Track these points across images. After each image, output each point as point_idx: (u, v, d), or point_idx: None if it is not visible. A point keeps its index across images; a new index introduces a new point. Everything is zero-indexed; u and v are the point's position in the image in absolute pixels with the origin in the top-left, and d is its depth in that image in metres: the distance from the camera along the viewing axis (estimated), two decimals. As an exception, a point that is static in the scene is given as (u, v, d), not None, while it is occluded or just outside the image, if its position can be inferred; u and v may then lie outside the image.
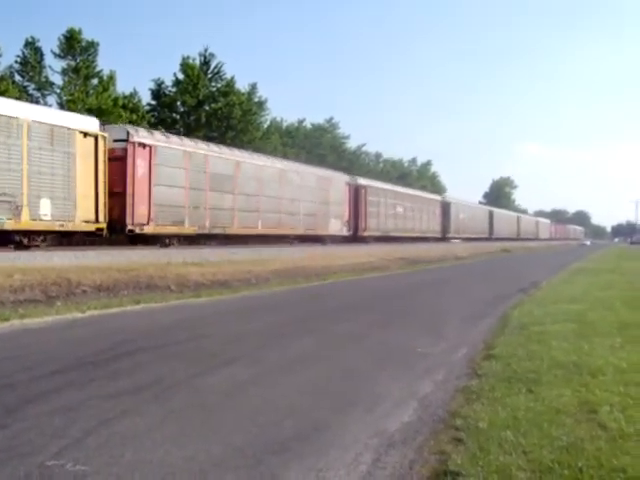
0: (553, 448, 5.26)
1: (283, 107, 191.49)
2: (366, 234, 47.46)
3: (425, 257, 41.07)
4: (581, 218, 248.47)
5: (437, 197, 72.04)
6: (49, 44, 46.52)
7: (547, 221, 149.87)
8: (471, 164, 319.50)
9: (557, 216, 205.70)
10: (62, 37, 44.32)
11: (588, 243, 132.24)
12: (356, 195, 46.26)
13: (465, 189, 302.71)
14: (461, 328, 12.91)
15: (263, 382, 7.91)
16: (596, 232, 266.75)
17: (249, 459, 5.12)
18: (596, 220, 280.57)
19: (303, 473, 4.88)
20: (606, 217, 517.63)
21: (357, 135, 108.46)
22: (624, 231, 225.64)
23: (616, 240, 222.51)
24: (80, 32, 44.66)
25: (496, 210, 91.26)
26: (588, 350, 9.59)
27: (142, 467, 4.87)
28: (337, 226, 43.86)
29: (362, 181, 48.72)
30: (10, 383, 7.31)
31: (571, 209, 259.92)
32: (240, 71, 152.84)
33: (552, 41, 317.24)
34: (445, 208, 68.59)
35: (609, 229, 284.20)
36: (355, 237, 46.32)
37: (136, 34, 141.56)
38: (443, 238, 66.93)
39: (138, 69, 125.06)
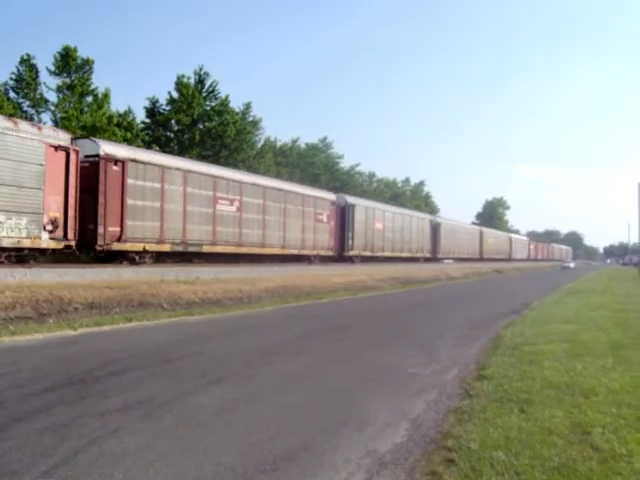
0: (545, 469, 5.25)
1: (277, 126, 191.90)
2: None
3: (416, 277, 41.12)
4: (573, 239, 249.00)
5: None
6: (44, 61, 46.65)
7: (524, 238, 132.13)
8: (464, 185, 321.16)
9: (550, 237, 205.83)
10: (57, 54, 44.43)
11: (572, 265, 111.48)
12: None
13: (458, 209, 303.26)
14: (453, 348, 12.89)
15: (254, 401, 7.88)
16: (589, 253, 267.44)
17: (239, 478, 5.10)
18: (588, 241, 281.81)
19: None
20: (599, 238, 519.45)
21: (351, 155, 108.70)
22: (616, 252, 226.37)
23: (608, 261, 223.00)
24: (75, 50, 44.80)
25: (444, 221, 75.55)
26: (580, 370, 9.61)
27: (132, 486, 4.84)
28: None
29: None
30: (0, 400, 7.26)
31: (564, 230, 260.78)
32: (234, 90, 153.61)
33: (546, 63, 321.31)
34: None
35: (601, 250, 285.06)
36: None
37: (131, 52, 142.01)
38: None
39: (133, 87, 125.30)
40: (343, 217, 45.36)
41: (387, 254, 53.06)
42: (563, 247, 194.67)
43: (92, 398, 7.54)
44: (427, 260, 63.66)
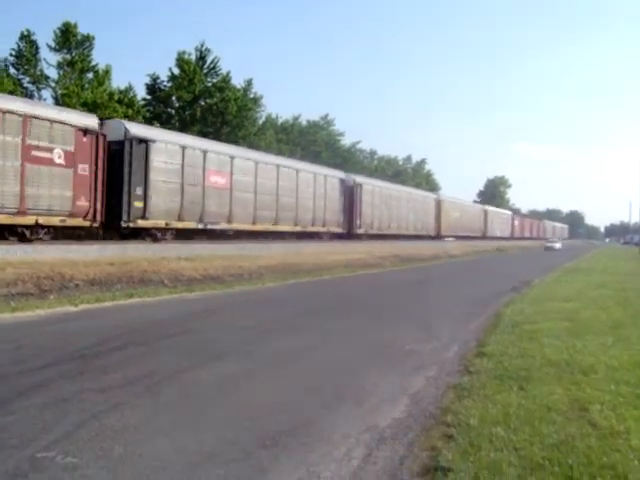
0: (544, 445, 5.27)
1: (279, 103, 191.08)
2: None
3: (418, 255, 41.14)
4: (574, 218, 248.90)
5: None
6: (44, 37, 46.32)
7: (505, 212, 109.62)
8: (466, 163, 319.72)
9: (551, 216, 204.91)
10: (57, 30, 44.14)
11: (558, 246, 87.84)
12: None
13: (460, 187, 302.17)
14: (453, 325, 12.92)
15: (254, 377, 7.92)
16: (590, 232, 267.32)
17: (240, 453, 5.13)
18: (590, 220, 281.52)
19: (294, 467, 4.89)
20: (600, 218, 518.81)
21: (352, 132, 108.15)
22: (617, 231, 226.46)
23: (607, 240, 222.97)
24: (76, 26, 44.51)
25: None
26: (580, 348, 9.62)
27: (132, 460, 4.87)
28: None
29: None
30: (1, 375, 7.30)
31: (565, 209, 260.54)
32: (236, 67, 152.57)
33: (548, 41, 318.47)
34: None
35: (602, 229, 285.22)
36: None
37: (132, 27, 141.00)
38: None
39: (133, 63, 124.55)
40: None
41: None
42: (557, 225, 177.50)
43: (92, 373, 7.57)
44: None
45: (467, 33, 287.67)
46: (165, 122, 49.54)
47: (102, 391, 6.73)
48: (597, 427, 5.79)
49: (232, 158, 32.29)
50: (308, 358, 9.35)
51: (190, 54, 52.21)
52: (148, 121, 45.60)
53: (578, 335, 10.86)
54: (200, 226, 29.88)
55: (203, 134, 45.76)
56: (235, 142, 46.05)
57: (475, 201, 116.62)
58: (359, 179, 48.97)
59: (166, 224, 27.41)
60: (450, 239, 69.30)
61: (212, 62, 53.14)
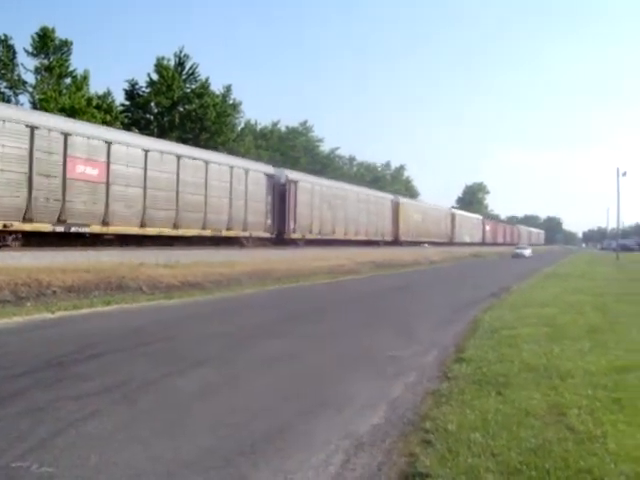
0: (521, 450, 5.30)
1: (258, 109, 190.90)
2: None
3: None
4: (552, 224, 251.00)
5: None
6: (22, 42, 46.04)
7: (475, 216, 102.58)
8: (445, 169, 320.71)
9: (529, 222, 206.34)
10: (35, 35, 43.88)
11: (527, 253, 75.71)
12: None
13: (440, 194, 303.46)
14: (433, 331, 12.95)
15: (233, 383, 7.89)
16: (567, 238, 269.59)
17: (218, 460, 5.10)
18: (568, 226, 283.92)
19: (272, 474, 4.87)
20: (578, 223, 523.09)
21: (331, 138, 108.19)
22: (595, 237, 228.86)
23: (583, 246, 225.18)
24: (53, 30, 44.30)
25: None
26: (558, 353, 9.71)
27: (109, 469, 4.83)
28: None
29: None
30: (-24, 384, 7.21)
31: (543, 215, 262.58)
32: (215, 73, 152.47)
33: (525, 46, 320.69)
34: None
35: (580, 235, 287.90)
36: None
37: (110, 33, 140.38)
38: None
39: (112, 69, 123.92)
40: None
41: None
42: (533, 230, 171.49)
43: (69, 381, 7.50)
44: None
45: (446, 38, 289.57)
46: (144, 128, 49.42)
47: (79, 399, 6.67)
48: (574, 431, 5.83)
49: (109, 144, 27.03)
50: (288, 364, 9.31)
51: (169, 60, 52.19)
52: (127, 127, 45.35)
53: (556, 340, 10.94)
54: (59, 228, 24.56)
55: (182, 140, 45.68)
56: (214, 148, 45.92)
57: (453, 207, 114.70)
58: (293, 175, 43.59)
59: (4, 225, 22.39)
60: (426, 245, 68.49)
61: (191, 68, 53.24)
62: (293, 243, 42.27)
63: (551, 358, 9.32)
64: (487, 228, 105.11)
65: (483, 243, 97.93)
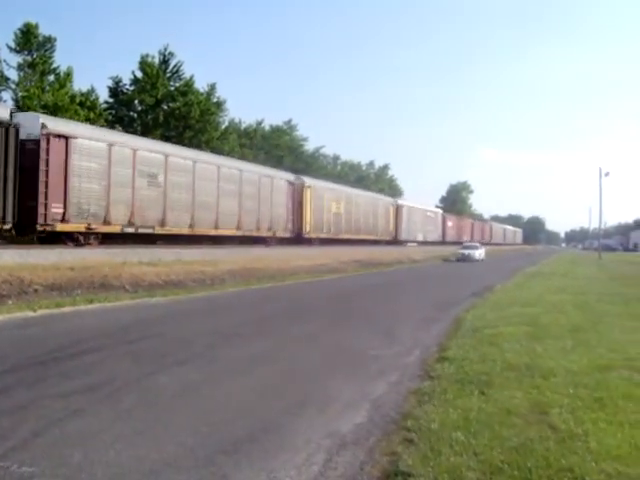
0: (503, 449, 5.32)
1: (242, 108, 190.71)
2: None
3: (376, 260, 41.10)
4: (535, 223, 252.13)
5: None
6: (4, 38, 45.59)
7: (433, 210, 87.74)
8: (429, 168, 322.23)
9: (512, 221, 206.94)
10: (18, 31, 43.47)
11: (478, 255, 57.64)
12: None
13: (422, 193, 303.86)
14: (415, 331, 12.97)
15: (215, 382, 7.88)
16: (550, 237, 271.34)
17: (201, 459, 5.08)
18: (550, 226, 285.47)
19: (254, 473, 4.86)
20: (560, 223, 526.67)
21: (315, 137, 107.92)
22: (577, 237, 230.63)
23: (563, 245, 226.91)
24: (37, 27, 43.90)
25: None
26: (540, 352, 9.76)
27: (91, 468, 4.80)
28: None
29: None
30: (-44, 383, 7.15)
31: (527, 215, 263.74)
32: (199, 71, 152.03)
33: (508, 47, 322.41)
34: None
35: (563, 235, 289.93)
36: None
37: (94, 30, 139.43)
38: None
39: (95, 66, 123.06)
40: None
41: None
42: (509, 228, 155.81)
43: (52, 380, 7.46)
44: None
45: (431, 38, 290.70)
46: (127, 125, 49.15)
47: (62, 397, 6.63)
48: (556, 430, 5.86)
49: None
50: (270, 363, 9.30)
51: (153, 57, 51.90)
52: (110, 124, 45.09)
53: (538, 339, 11.00)
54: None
55: (166, 138, 45.43)
56: (198, 146, 45.74)
57: (437, 206, 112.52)
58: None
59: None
60: (413, 244, 68.12)
61: (175, 66, 52.92)
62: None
63: (533, 357, 9.37)
64: (449, 224, 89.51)
65: (443, 242, 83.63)
